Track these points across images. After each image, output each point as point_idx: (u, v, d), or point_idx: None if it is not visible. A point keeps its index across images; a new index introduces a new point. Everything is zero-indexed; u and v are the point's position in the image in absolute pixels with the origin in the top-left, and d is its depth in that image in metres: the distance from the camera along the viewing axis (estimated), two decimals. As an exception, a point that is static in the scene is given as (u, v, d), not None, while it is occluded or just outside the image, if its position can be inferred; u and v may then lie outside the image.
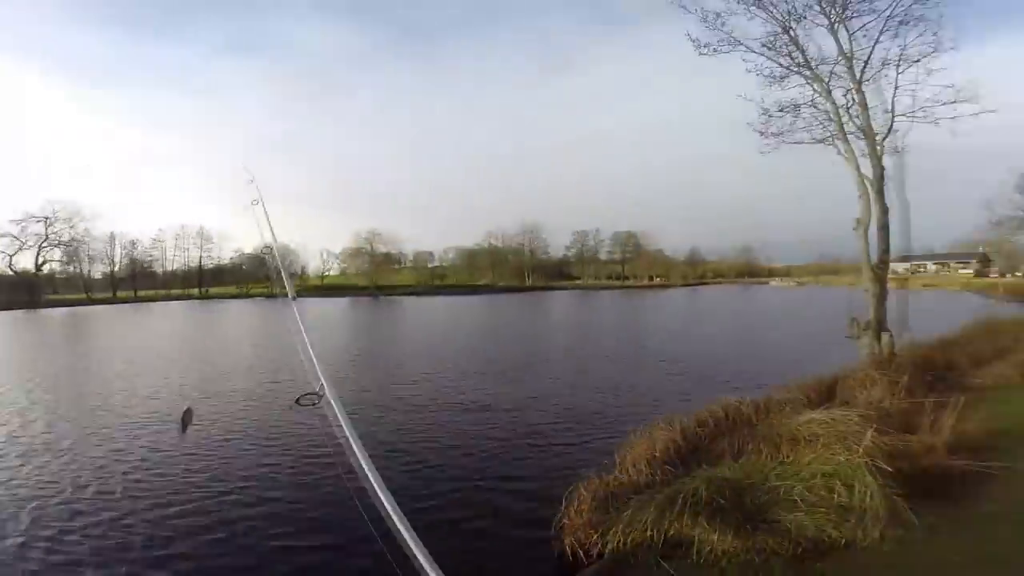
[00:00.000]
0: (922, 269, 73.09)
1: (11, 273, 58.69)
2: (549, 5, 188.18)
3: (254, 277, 75.13)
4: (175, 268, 74.85)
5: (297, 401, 1.27)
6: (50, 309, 49.36)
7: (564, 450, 7.83)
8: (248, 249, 77.34)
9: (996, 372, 7.59)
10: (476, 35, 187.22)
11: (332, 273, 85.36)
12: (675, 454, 6.18)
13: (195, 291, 71.04)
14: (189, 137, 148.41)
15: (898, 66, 9.64)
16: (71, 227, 62.43)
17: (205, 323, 35.25)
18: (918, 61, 9.48)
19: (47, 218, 60.78)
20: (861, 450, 4.44)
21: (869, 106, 9.87)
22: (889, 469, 4.13)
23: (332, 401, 1.09)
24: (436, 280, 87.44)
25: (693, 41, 10.58)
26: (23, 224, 59.55)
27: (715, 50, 10.49)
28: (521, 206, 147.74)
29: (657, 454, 6.08)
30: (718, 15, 10.29)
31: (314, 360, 1.29)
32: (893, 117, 9.73)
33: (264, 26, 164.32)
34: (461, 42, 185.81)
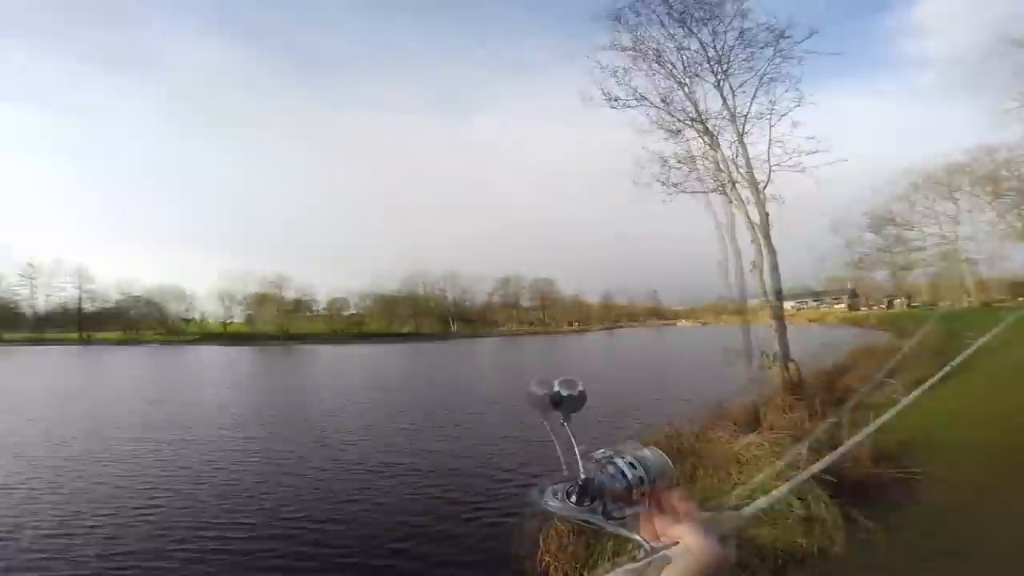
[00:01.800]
0: (804, 305, 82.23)
1: None
2: (449, 46, 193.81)
3: (146, 323, 67.97)
4: (49, 309, 64.41)
5: None
6: None
7: (510, 497, 7.37)
8: (137, 291, 69.90)
9: (888, 390, 8.50)
10: (373, 71, 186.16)
11: (236, 320, 78.17)
12: None
13: (74, 335, 61.47)
14: (60, 160, 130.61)
15: (770, 119, 11.05)
16: None
17: (89, 372, 30.19)
18: (785, 115, 10.93)
19: None
20: (802, 465, 4.70)
21: (751, 157, 11.10)
22: (833, 480, 4.37)
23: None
24: (353, 328, 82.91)
25: (605, 95, 11.63)
26: None
27: (625, 104, 11.64)
28: (438, 252, 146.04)
29: None
30: (626, 70, 11.43)
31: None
32: (770, 167, 11.03)
33: (143, 38, 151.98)
34: (359, 80, 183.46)
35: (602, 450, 0.67)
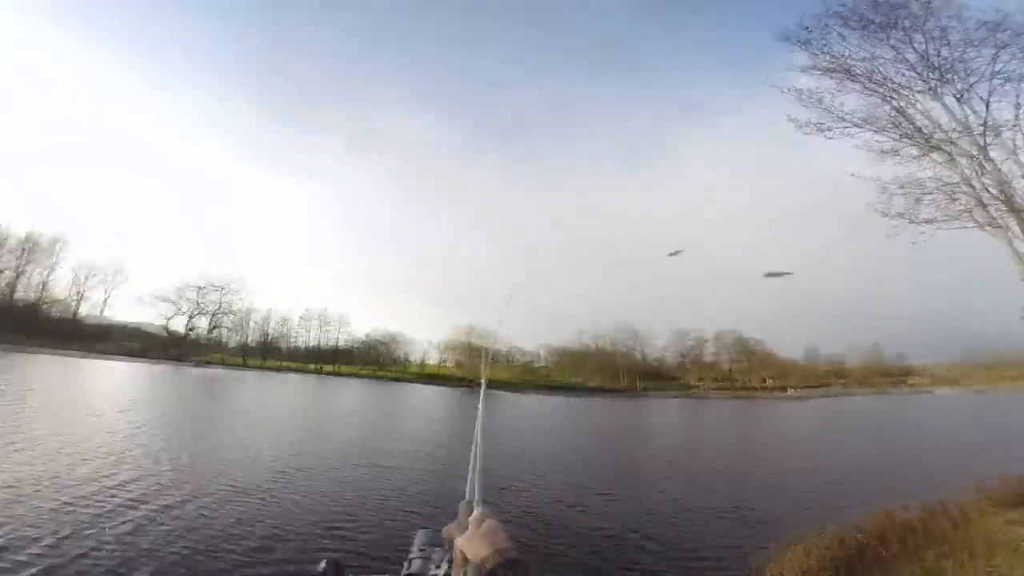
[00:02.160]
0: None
1: (166, 334, 68.64)
2: (623, 97, 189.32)
3: (363, 360, 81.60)
4: (298, 345, 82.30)
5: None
6: (190, 367, 55.48)
7: (695, 563, 6.78)
8: (360, 334, 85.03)
9: None
10: (554, 131, 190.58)
11: (431, 362, 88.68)
12: (844, 570, 5.17)
13: (329, 367, 77.07)
14: (315, 219, 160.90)
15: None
16: (220, 297, 72.59)
17: (320, 395, 38.02)
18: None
19: (199, 288, 71.19)
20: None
21: (1004, 173, 8.45)
22: None
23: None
24: (541, 379, 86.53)
25: (793, 120, 10.26)
26: (181, 291, 70.18)
27: (817, 128, 10.04)
28: (614, 304, 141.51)
29: (816, 569, 5.24)
30: (812, 93, 10.04)
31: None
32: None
33: (371, 117, 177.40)
34: (541, 138, 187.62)
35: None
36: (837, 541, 5.76)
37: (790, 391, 73.85)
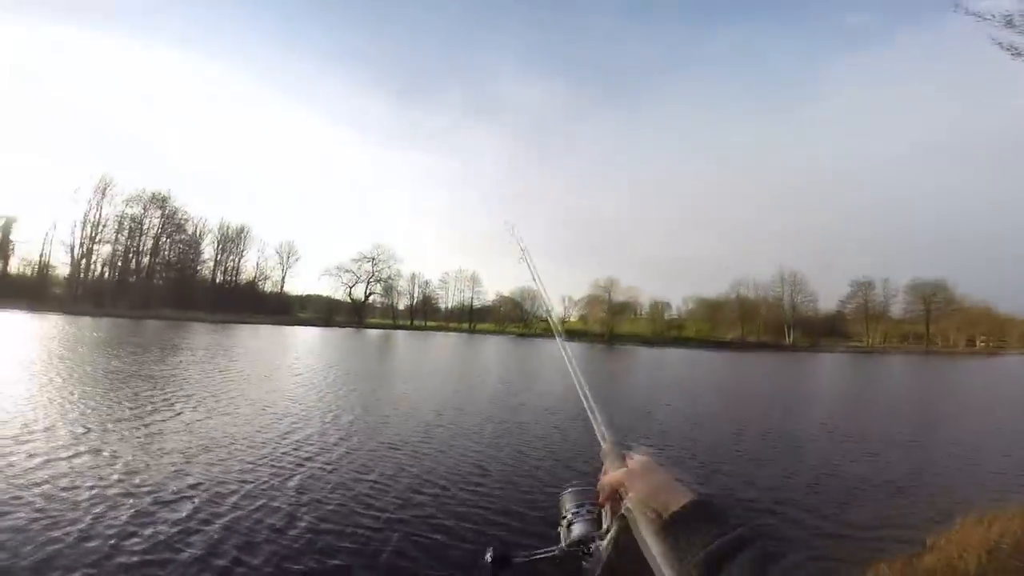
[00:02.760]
0: None
1: (348, 301, 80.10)
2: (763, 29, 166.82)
3: (509, 317, 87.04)
4: (451, 305, 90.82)
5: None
6: (368, 329, 66.22)
7: (853, 527, 6.52)
8: (505, 292, 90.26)
9: None
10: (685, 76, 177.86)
11: (573, 319, 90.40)
12: None
13: (465, 325, 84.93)
14: (446, 193, 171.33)
15: None
16: (388, 267, 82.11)
17: (472, 351, 41.82)
18: None
19: (373, 259, 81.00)
20: None
21: None
22: None
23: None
24: (673, 331, 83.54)
25: (1005, 47, 8.23)
26: (359, 263, 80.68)
27: None
28: (770, 256, 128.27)
29: (1003, 546, 4.95)
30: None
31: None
32: None
33: (483, 88, 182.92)
34: (667, 84, 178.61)
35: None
36: None
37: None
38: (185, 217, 68.13)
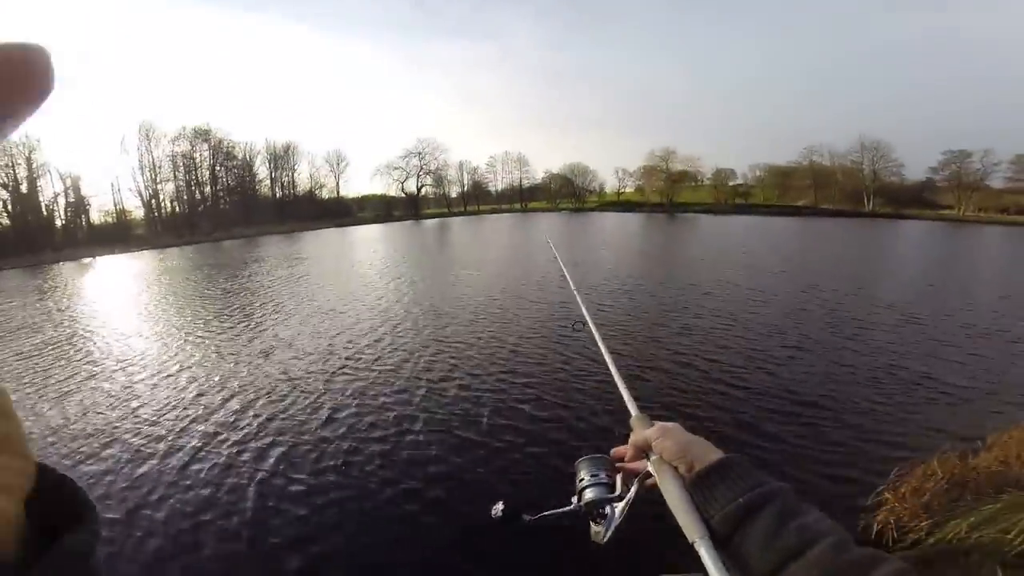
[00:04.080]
0: None
1: (403, 195, 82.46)
2: None
3: (560, 194, 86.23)
4: (502, 188, 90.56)
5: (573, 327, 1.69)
6: (425, 220, 68.28)
7: (912, 413, 6.63)
8: (555, 170, 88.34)
9: None
10: None
11: (628, 190, 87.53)
12: None
13: (517, 206, 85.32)
14: (492, 78, 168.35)
15: None
16: (435, 158, 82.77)
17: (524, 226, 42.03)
18: None
19: (419, 153, 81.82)
20: None
21: None
22: None
23: (593, 329, 1.38)
24: (738, 199, 79.30)
25: None
26: (406, 158, 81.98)
27: None
28: (851, 123, 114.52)
29: None
30: None
31: (576, 294, 1.72)
32: None
33: None
34: None
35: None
36: None
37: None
38: (232, 144, 70.42)
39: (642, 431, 0.82)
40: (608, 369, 1.17)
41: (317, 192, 79.93)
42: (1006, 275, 19.26)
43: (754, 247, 27.15)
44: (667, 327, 10.89)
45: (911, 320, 11.45)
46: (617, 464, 0.88)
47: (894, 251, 27.12)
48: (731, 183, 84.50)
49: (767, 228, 41.18)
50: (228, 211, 65.59)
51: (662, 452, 0.76)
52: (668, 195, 76.38)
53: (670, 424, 0.81)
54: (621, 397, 1.03)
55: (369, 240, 39.21)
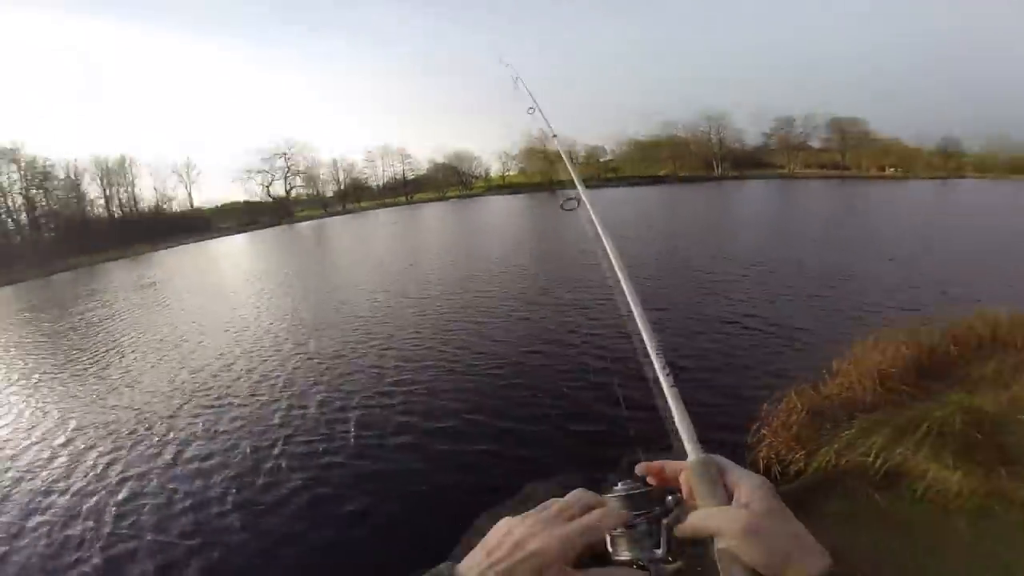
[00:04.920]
0: None
1: (270, 199, 75.94)
2: None
3: (447, 183, 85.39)
4: (384, 182, 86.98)
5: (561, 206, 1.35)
6: (300, 223, 63.15)
7: (770, 353, 7.45)
8: (439, 159, 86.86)
9: None
10: None
11: (512, 173, 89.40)
12: (915, 373, 5.48)
13: (402, 199, 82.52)
14: (365, 73, 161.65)
15: None
16: (303, 158, 77.68)
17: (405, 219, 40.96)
18: None
19: (285, 153, 76.15)
20: None
21: None
22: None
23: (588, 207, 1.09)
24: (609, 173, 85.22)
25: None
26: (269, 160, 75.75)
27: None
28: (697, 96, 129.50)
29: (890, 370, 5.35)
30: None
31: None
32: None
33: None
34: None
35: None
36: (915, 337, 5.96)
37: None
38: (49, 163, 60.17)
39: (708, 497, 0.54)
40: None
41: (165, 207, 70.97)
42: (831, 221, 22.83)
43: (627, 217, 28.96)
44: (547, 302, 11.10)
45: (758, 270, 12.98)
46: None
47: (740, 209, 30.91)
48: (602, 159, 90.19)
49: (632, 196, 44.87)
50: (53, 239, 55.23)
51: (739, 547, 0.49)
52: (548, 175, 79.46)
53: (757, 496, 0.52)
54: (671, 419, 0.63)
55: (231, 254, 35.34)
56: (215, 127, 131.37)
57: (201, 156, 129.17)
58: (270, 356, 9.68)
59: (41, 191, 59.55)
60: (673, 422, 0.62)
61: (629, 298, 0.77)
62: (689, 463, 0.58)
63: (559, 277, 13.71)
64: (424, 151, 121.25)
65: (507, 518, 0.55)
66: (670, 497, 0.59)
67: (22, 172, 57.94)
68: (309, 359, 9.21)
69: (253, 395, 7.83)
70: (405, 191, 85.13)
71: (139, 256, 45.85)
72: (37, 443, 7.12)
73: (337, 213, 73.78)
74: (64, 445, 6.94)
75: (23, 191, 57.77)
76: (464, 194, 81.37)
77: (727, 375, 6.74)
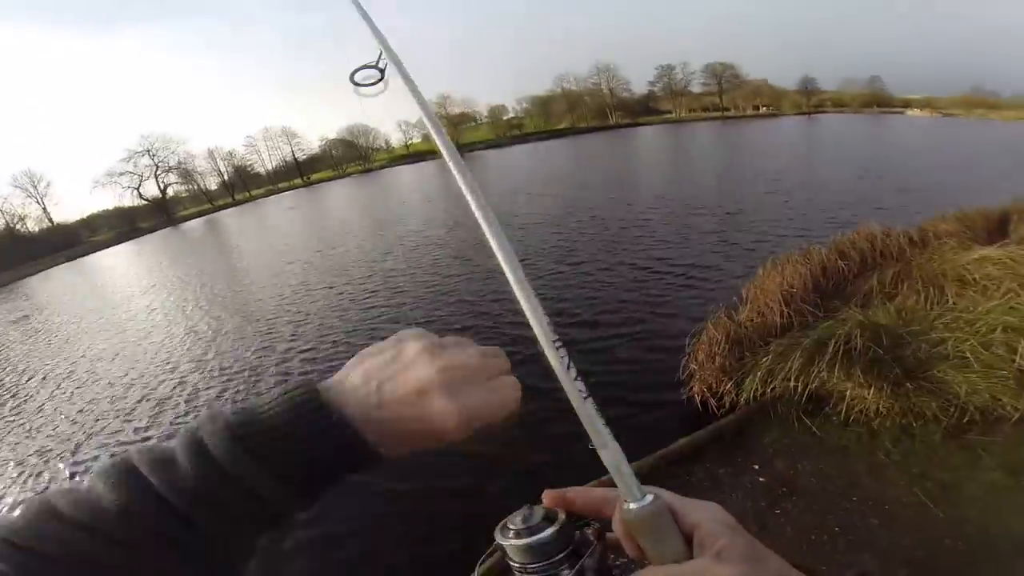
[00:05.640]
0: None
1: (145, 202, 66.89)
2: None
3: (346, 159, 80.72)
4: (274, 166, 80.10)
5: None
6: (187, 223, 56.16)
7: (685, 292, 7.70)
8: (332, 135, 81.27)
9: None
10: None
11: (415, 141, 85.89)
12: (814, 291, 5.69)
13: (298, 181, 76.46)
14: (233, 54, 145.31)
15: None
16: (172, 152, 68.95)
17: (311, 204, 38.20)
18: None
19: (148, 150, 66.98)
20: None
21: None
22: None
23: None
24: (514, 131, 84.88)
25: None
26: (131, 160, 66.24)
27: None
28: (588, 48, 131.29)
29: (793, 291, 5.60)
30: None
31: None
32: None
33: None
34: None
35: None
36: (809, 257, 6.38)
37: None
38: None
39: (655, 539, 0.41)
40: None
41: (17, 226, 60.42)
42: (720, 160, 24.29)
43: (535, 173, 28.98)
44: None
45: (660, 212, 13.52)
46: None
47: (636, 154, 32.13)
48: (505, 117, 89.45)
49: (539, 151, 45.24)
50: None
51: None
52: (452, 138, 77.49)
53: (730, 536, 0.40)
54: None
55: (110, 268, 31.05)
56: (68, 131, 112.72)
57: (57, 167, 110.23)
58: (165, 379, 8.60)
59: None
60: (593, 448, 0.43)
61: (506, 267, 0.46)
62: (633, 513, 0.41)
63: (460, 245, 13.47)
64: (316, 129, 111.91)
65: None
66: (587, 530, 0.46)
67: None
68: (210, 372, 8.33)
69: (152, 423, 6.97)
70: (300, 172, 79.12)
71: (5, 287, 38.64)
72: None
73: (227, 206, 66.93)
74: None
75: None
76: (365, 168, 77.35)
77: (652, 323, 6.85)
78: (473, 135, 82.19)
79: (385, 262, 13.31)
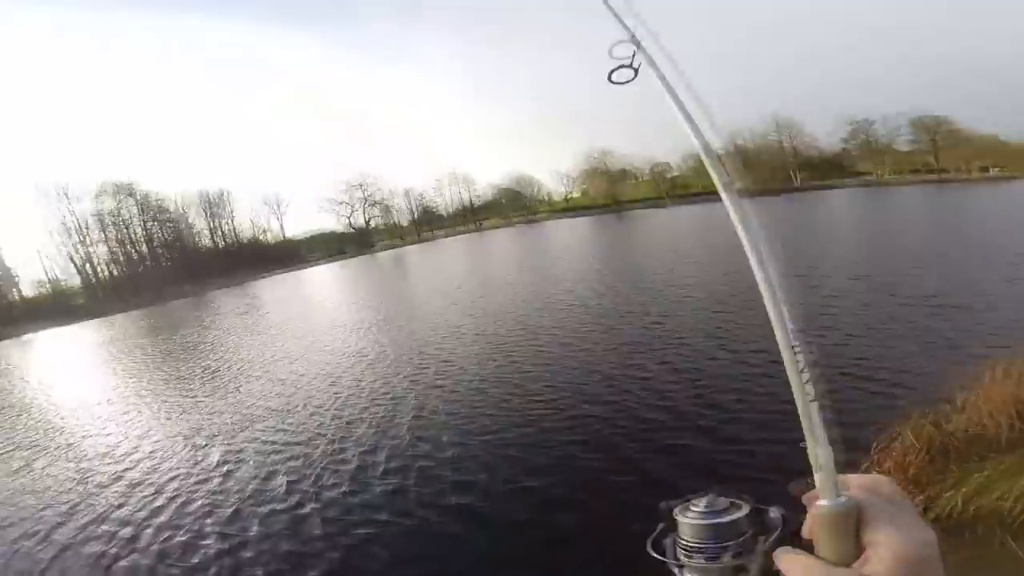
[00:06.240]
0: None
1: (352, 230, 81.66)
2: None
3: (512, 208, 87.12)
4: (453, 209, 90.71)
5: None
6: (381, 252, 67.30)
7: (875, 387, 6.92)
8: (499, 183, 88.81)
9: None
10: None
11: (575, 194, 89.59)
12: None
13: (471, 226, 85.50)
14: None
15: None
16: (378, 189, 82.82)
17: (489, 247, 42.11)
18: None
19: (361, 185, 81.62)
20: None
21: None
22: None
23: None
24: (679, 190, 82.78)
25: None
26: (348, 192, 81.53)
27: None
28: (760, 100, 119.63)
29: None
30: None
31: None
32: None
33: None
34: None
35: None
36: None
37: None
38: (160, 197, 68.07)
39: (834, 534, 0.43)
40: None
41: (261, 237, 77.90)
42: (937, 232, 20.93)
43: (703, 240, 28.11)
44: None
45: (857, 290, 12.35)
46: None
47: (829, 222, 29.03)
48: (668, 175, 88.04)
49: (709, 213, 43.57)
50: (170, 268, 62.48)
51: None
52: (612, 196, 78.86)
53: (907, 531, 0.42)
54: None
55: (323, 283, 38.26)
56: (303, 158, 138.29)
57: (287, 186, 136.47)
58: (325, 390, 10.62)
59: (156, 223, 67.01)
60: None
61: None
62: (819, 509, 0.46)
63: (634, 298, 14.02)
64: (482, 175, 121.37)
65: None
66: (774, 514, 0.52)
67: (139, 205, 65.51)
68: (360, 391, 10.12)
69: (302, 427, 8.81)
70: (474, 218, 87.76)
71: (244, 284, 50.67)
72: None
73: (413, 242, 77.91)
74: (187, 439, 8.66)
75: (142, 223, 65.40)
76: (529, 219, 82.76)
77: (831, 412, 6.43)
78: (633, 192, 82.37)
79: (539, 317, 14.24)
